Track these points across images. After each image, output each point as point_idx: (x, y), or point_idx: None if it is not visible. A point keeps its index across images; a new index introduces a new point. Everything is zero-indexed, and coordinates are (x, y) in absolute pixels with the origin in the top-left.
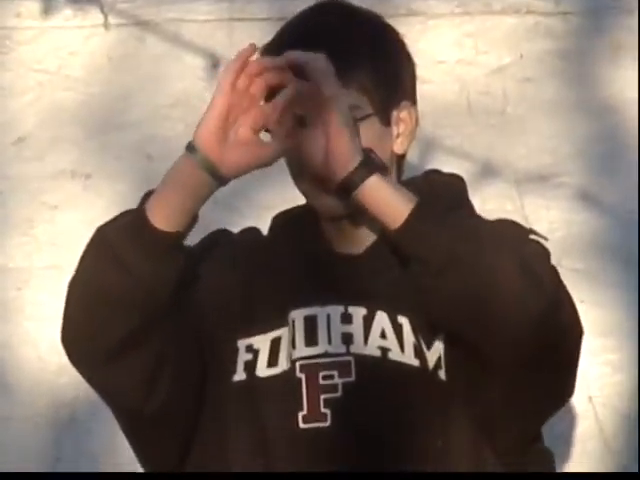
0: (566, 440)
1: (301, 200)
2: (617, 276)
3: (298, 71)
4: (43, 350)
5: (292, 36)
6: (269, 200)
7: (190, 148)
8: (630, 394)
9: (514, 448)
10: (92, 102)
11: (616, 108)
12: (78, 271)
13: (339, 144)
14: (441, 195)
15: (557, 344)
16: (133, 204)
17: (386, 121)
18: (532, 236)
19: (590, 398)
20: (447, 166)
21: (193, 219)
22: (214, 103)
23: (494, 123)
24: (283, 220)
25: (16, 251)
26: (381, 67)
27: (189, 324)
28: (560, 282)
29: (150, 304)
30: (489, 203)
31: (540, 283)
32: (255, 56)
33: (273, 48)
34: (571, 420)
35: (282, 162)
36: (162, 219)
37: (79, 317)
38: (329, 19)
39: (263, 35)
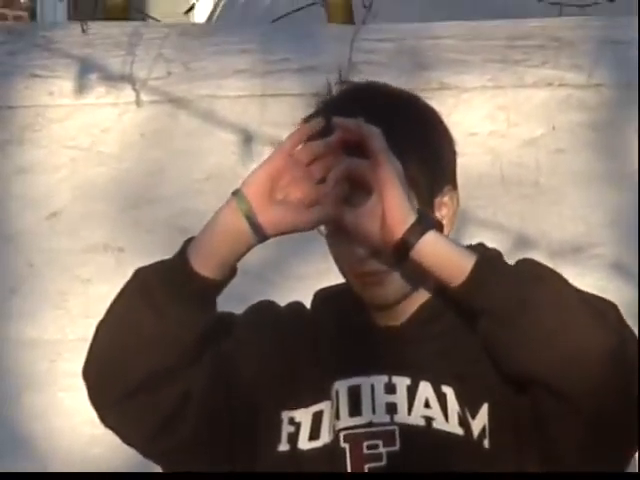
0: None
1: (335, 269)
2: None
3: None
4: (76, 421)
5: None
6: (301, 271)
7: (236, 193)
8: None
9: None
10: (125, 177)
11: None
12: (111, 308)
13: (394, 204)
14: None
15: (627, 382)
16: None
17: (431, 210)
18: None
19: None
20: (481, 237)
21: (231, 271)
22: (270, 159)
23: (527, 194)
24: (325, 295)
25: (49, 324)
26: (428, 157)
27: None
28: (624, 320)
29: (177, 350)
30: None
31: (606, 319)
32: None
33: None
34: None
35: (314, 231)
36: (202, 264)
37: (104, 351)
38: (373, 104)
39: (295, 110)
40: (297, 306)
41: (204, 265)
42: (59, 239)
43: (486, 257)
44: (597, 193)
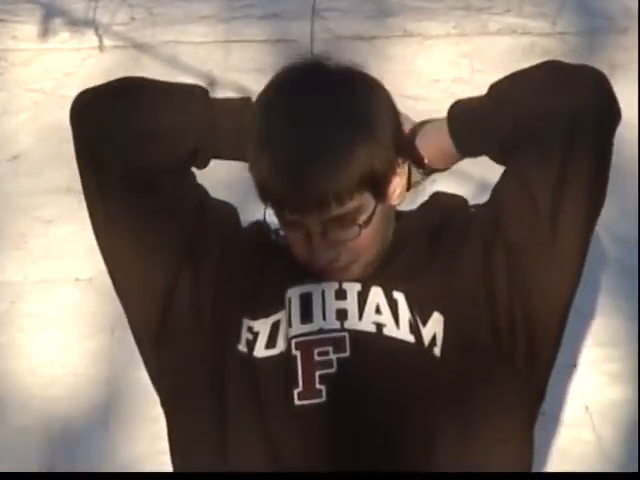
0: (563, 449)
1: None
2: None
3: None
4: (35, 362)
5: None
6: None
7: None
8: (629, 403)
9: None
10: None
11: None
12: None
13: None
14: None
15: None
16: None
17: (385, 195)
18: None
19: (587, 407)
20: (444, 184)
21: None
22: None
23: None
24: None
25: (9, 264)
26: (376, 148)
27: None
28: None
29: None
30: None
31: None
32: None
33: (263, 126)
34: (568, 429)
35: None
36: None
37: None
38: (314, 100)
39: (259, 56)
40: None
41: None
42: (21, 181)
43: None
44: None
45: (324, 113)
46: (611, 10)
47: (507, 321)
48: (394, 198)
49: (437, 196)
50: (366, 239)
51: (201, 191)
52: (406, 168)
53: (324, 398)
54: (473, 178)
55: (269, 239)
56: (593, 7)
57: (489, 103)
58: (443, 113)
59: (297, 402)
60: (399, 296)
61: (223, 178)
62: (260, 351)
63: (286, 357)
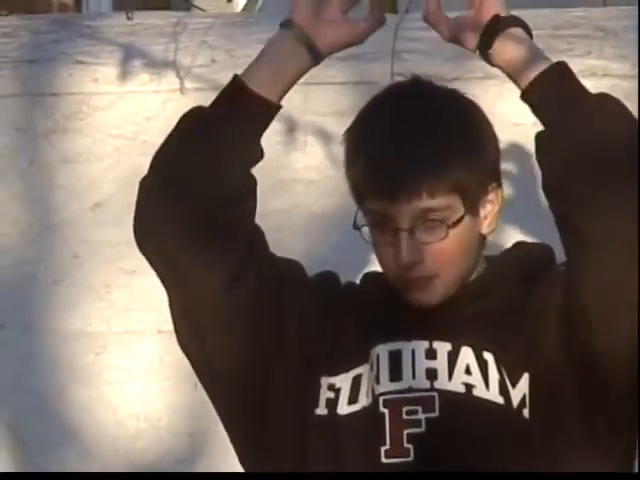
0: None
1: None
2: None
3: None
4: (121, 415)
5: (384, 126)
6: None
7: (285, 24)
8: None
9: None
10: None
11: None
12: (163, 146)
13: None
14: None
15: None
16: None
17: (476, 212)
18: None
19: None
20: (527, 230)
21: (282, 96)
22: None
23: None
24: (373, 275)
25: (94, 316)
26: (474, 161)
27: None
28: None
29: (235, 179)
30: None
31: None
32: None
33: (362, 130)
34: None
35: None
36: (258, 83)
37: (158, 192)
38: (419, 107)
39: (339, 98)
40: (350, 282)
41: (260, 84)
42: (103, 230)
43: (552, 69)
44: None
45: (428, 122)
46: None
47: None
48: (484, 226)
49: (522, 244)
50: (451, 248)
51: (271, 257)
52: (499, 200)
53: (412, 457)
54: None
55: (344, 292)
56: None
57: (590, 105)
58: (523, 158)
59: (384, 460)
60: (489, 357)
61: None
62: (343, 408)
63: (372, 414)
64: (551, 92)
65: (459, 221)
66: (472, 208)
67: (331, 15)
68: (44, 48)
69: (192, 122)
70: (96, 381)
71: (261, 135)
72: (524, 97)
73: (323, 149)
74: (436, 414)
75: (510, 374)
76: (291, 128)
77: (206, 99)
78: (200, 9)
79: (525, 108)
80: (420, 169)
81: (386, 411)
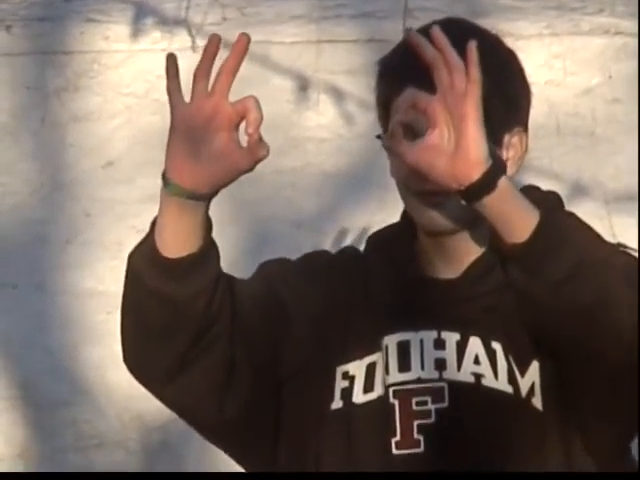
0: None
1: (391, 220)
2: None
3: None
4: None
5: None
6: (354, 221)
7: (163, 179)
8: None
9: (611, 454)
10: None
11: None
12: (123, 300)
13: (472, 145)
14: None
15: None
16: (218, 228)
17: (498, 145)
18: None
19: None
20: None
21: (206, 232)
22: (172, 124)
23: (583, 144)
24: (377, 241)
25: (106, 275)
26: (501, 89)
27: (268, 333)
28: None
29: (190, 323)
30: None
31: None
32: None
33: (392, 63)
34: None
35: (368, 182)
36: (169, 247)
37: (132, 345)
38: (452, 34)
39: (350, 56)
40: (350, 251)
41: (174, 249)
42: (115, 188)
43: (548, 220)
44: None
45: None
46: None
47: None
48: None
49: (530, 193)
50: None
51: (249, 292)
52: (523, 147)
53: (422, 448)
54: (561, 177)
55: (345, 267)
56: None
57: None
58: (537, 117)
59: (395, 451)
60: (497, 346)
61: None
62: (359, 396)
63: (384, 404)
64: (553, 248)
65: None
66: (494, 137)
67: (217, 146)
68: (55, 6)
69: (134, 287)
70: (108, 340)
71: (193, 281)
72: (519, 248)
73: (335, 107)
74: (445, 404)
75: (519, 363)
76: (303, 86)
77: (217, 57)
78: None
79: (537, 66)
80: None
81: (396, 402)
